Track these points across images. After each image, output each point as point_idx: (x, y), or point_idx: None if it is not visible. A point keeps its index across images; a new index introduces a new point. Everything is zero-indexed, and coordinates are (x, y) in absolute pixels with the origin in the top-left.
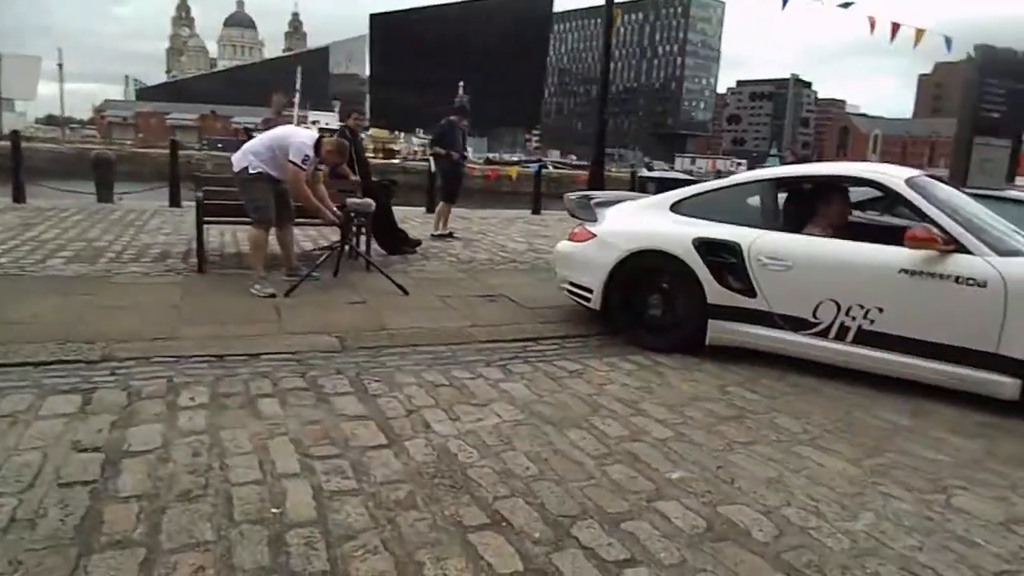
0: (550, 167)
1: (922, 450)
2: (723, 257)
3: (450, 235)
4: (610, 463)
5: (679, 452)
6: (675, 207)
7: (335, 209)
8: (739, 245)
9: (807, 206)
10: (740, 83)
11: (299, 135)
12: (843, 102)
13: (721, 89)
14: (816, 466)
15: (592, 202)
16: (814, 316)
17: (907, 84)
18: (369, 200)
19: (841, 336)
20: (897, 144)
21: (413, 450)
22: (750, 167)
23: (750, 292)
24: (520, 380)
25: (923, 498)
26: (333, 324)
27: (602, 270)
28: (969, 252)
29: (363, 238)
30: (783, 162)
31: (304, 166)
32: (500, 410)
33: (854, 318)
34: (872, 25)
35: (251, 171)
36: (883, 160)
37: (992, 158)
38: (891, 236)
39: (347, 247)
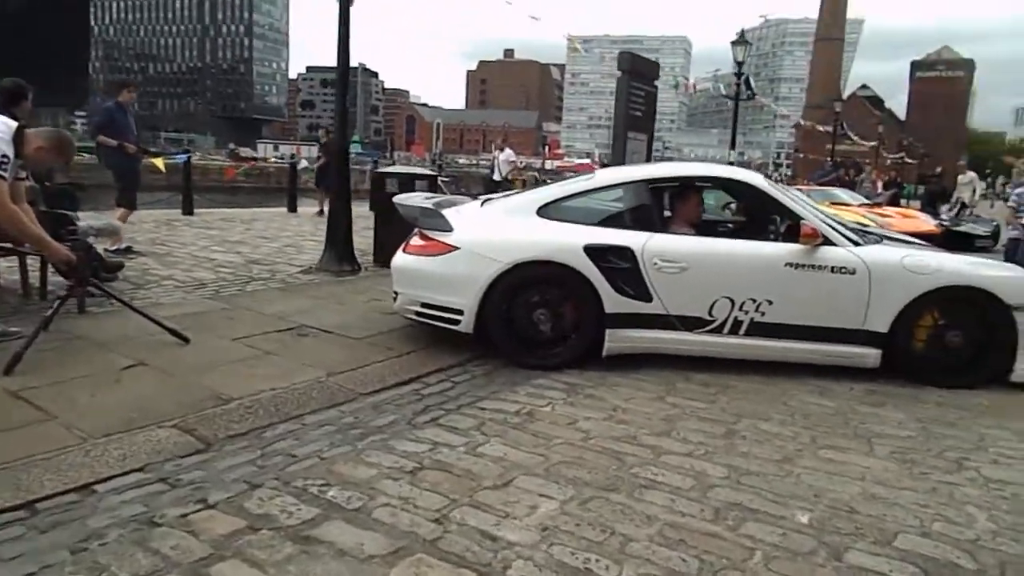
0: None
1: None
2: (616, 263)
3: (128, 249)
4: (733, 523)
5: (763, 484)
6: (543, 211)
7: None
8: (631, 249)
9: (636, 205)
10: (310, 69)
11: None
12: (407, 92)
13: (292, 75)
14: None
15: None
16: (710, 314)
17: (455, 78)
18: (115, 222)
19: (735, 330)
20: (456, 131)
21: None
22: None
23: (646, 296)
24: (486, 439)
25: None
26: (141, 407)
27: (475, 286)
28: (835, 244)
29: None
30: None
31: (4, 174)
32: (529, 487)
33: (747, 312)
34: None
35: None
36: (446, 146)
37: (638, 150)
38: (738, 231)
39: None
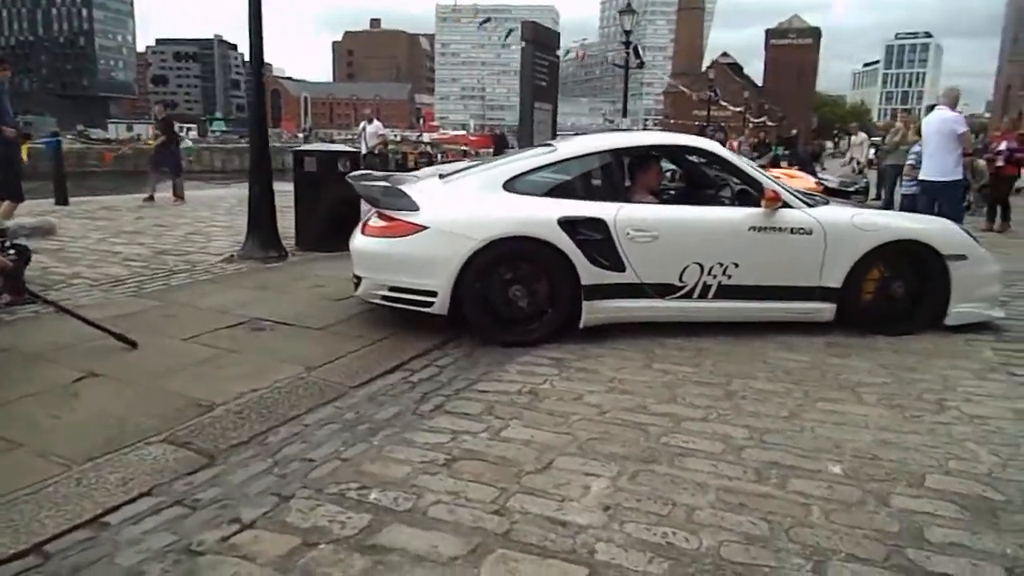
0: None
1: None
2: (590, 235)
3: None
4: (778, 481)
5: (786, 440)
6: (509, 186)
7: None
8: (604, 220)
9: (602, 175)
10: (160, 41)
11: None
12: (270, 65)
13: (140, 48)
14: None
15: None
16: (680, 280)
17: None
18: (49, 219)
19: (704, 294)
20: (325, 105)
21: None
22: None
23: (619, 267)
24: (504, 423)
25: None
26: (116, 423)
27: (448, 266)
28: (791, 207)
29: None
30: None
31: None
32: (572, 467)
33: (715, 276)
34: None
35: None
36: (316, 121)
37: (544, 119)
38: (693, 197)
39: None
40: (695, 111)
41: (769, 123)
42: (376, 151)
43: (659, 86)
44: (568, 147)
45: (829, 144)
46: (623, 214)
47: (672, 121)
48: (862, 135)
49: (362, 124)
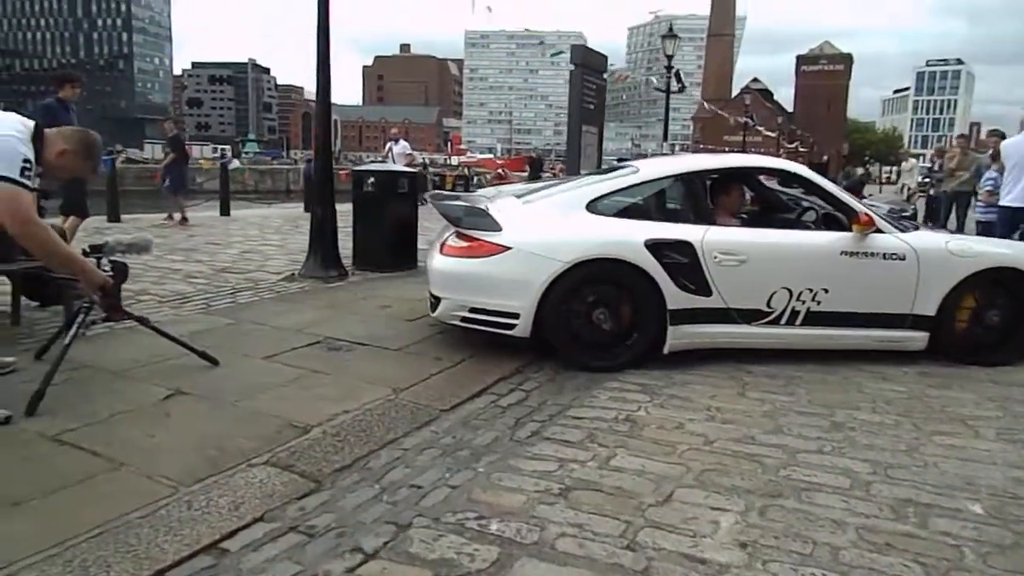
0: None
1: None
2: (677, 258)
3: None
4: (918, 520)
5: (913, 476)
6: (592, 206)
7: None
8: (691, 243)
9: (687, 197)
10: (196, 65)
11: (1, 121)
12: (302, 88)
13: (176, 71)
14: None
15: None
16: (768, 305)
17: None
18: (146, 235)
19: (792, 320)
20: (355, 128)
21: None
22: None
23: (706, 291)
24: (610, 451)
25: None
26: (214, 443)
27: (532, 288)
28: (883, 232)
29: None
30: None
31: (29, 182)
32: (695, 500)
33: (804, 302)
34: None
35: None
36: (346, 143)
37: (591, 143)
38: (776, 220)
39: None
40: (726, 136)
41: (801, 148)
42: None
43: (686, 111)
44: (651, 169)
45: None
46: (710, 237)
47: (702, 146)
48: (912, 161)
49: (388, 145)
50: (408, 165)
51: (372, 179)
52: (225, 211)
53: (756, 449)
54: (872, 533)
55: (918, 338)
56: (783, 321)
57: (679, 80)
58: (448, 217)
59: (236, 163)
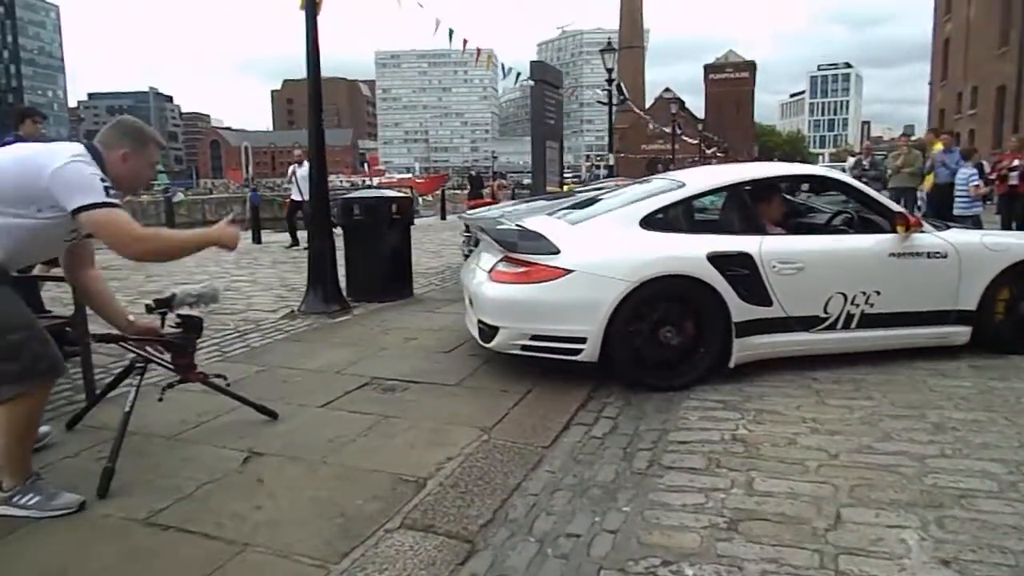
0: None
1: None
2: (738, 270)
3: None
4: None
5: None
6: (645, 223)
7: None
8: (750, 254)
9: (738, 208)
10: (93, 96)
11: (49, 151)
12: (207, 116)
13: (72, 103)
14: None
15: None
16: (825, 311)
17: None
18: (215, 283)
19: (847, 324)
20: (266, 154)
21: None
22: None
23: (767, 301)
24: (746, 476)
25: None
26: (332, 509)
27: (599, 310)
28: (923, 231)
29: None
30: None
31: (116, 200)
32: (865, 520)
33: (858, 305)
34: None
35: None
36: (258, 170)
37: (553, 158)
38: (818, 227)
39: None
40: (644, 145)
41: (719, 154)
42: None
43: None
44: (699, 181)
45: None
46: (767, 247)
47: (622, 155)
48: (851, 160)
49: (291, 168)
50: None
51: (362, 206)
52: None
53: (883, 459)
54: None
55: (963, 332)
56: (839, 326)
57: (621, 92)
58: (501, 242)
59: (180, 195)
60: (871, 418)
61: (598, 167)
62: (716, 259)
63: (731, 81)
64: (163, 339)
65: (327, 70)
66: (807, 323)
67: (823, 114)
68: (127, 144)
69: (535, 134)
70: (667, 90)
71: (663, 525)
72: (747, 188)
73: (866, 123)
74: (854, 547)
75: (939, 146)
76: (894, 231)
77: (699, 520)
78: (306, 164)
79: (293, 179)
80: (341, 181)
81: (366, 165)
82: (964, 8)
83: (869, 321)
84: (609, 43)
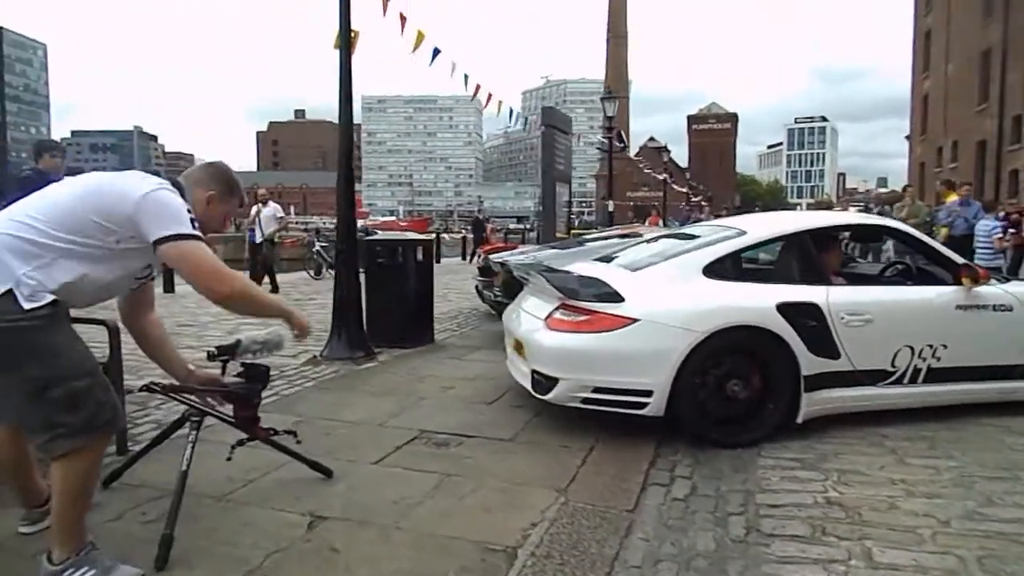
0: None
1: None
2: (807, 321)
3: None
4: None
5: None
6: (708, 271)
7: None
8: (818, 305)
9: (802, 257)
10: (76, 133)
11: (131, 178)
12: (191, 155)
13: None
14: None
15: (593, 277)
16: (892, 365)
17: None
18: (281, 330)
19: (914, 379)
20: (250, 195)
21: None
22: None
23: (835, 354)
24: (856, 544)
25: None
26: None
27: (668, 362)
28: (987, 284)
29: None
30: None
31: (199, 232)
32: None
33: (924, 359)
34: None
35: (31, 306)
36: (242, 210)
37: (562, 201)
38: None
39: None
40: (628, 192)
41: (703, 203)
42: (275, 239)
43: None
44: (761, 229)
45: None
46: (835, 297)
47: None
48: (852, 211)
49: (255, 208)
50: (282, 229)
51: (386, 249)
52: (169, 287)
53: (998, 527)
54: None
55: None
56: (906, 380)
57: (620, 140)
58: (560, 288)
59: None
60: (963, 480)
61: (586, 213)
62: (785, 309)
63: (714, 132)
64: (226, 389)
65: (311, 113)
66: (875, 377)
67: (800, 165)
68: (215, 187)
69: (545, 178)
70: (651, 139)
71: None
72: (809, 236)
73: (842, 174)
74: None
75: (953, 197)
76: (958, 283)
77: None
78: (272, 204)
79: (257, 219)
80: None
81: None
82: (942, 65)
83: (935, 375)
84: (609, 91)
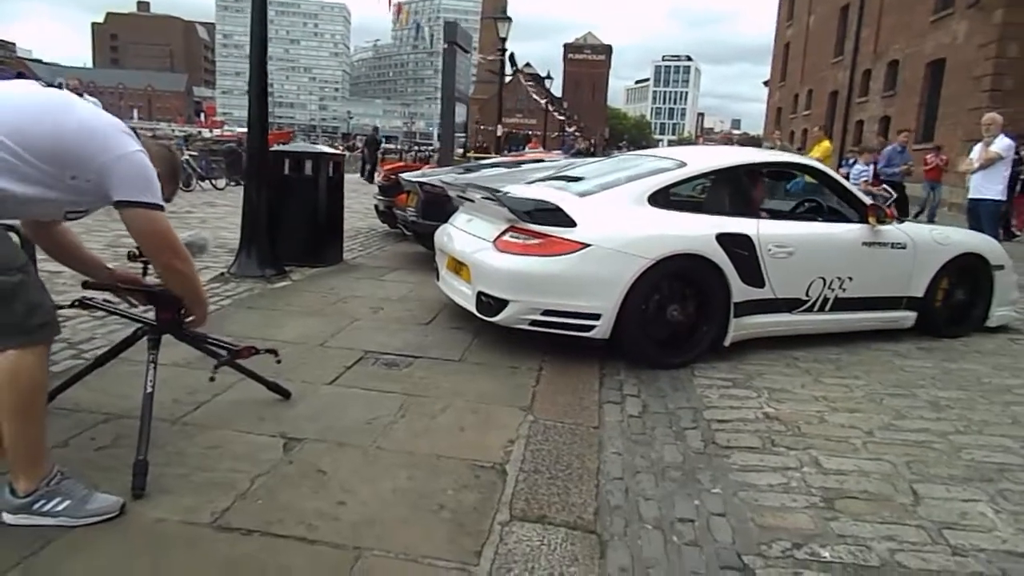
0: None
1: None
2: (740, 251)
3: None
4: None
5: None
6: (654, 200)
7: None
8: (750, 236)
9: (736, 190)
10: None
11: (119, 129)
12: (13, 44)
13: None
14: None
15: (544, 201)
16: (806, 294)
17: (77, 30)
18: (201, 234)
19: (823, 307)
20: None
21: None
22: None
23: (761, 282)
24: (808, 455)
25: None
26: (442, 503)
27: (616, 287)
28: (888, 223)
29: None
30: None
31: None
32: (960, 497)
33: (833, 290)
34: None
35: None
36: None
37: (461, 120)
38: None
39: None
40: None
41: (577, 132)
42: None
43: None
44: (700, 162)
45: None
46: (764, 230)
47: (481, 127)
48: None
49: None
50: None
51: (295, 162)
52: None
53: (913, 436)
54: None
55: (910, 317)
56: (816, 308)
57: (513, 63)
58: (513, 211)
59: None
60: (874, 397)
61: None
62: (723, 239)
63: (589, 63)
64: (151, 289)
65: (159, 7)
66: (791, 304)
67: (664, 102)
68: (161, 167)
69: (446, 99)
70: (528, 64)
71: (767, 507)
72: (743, 172)
73: (701, 114)
74: (949, 522)
75: (826, 144)
76: (865, 221)
77: (795, 500)
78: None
79: None
80: (173, 130)
81: (203, 115)
82: (805, 16)
83: (841, 304)
84: (504, 11)
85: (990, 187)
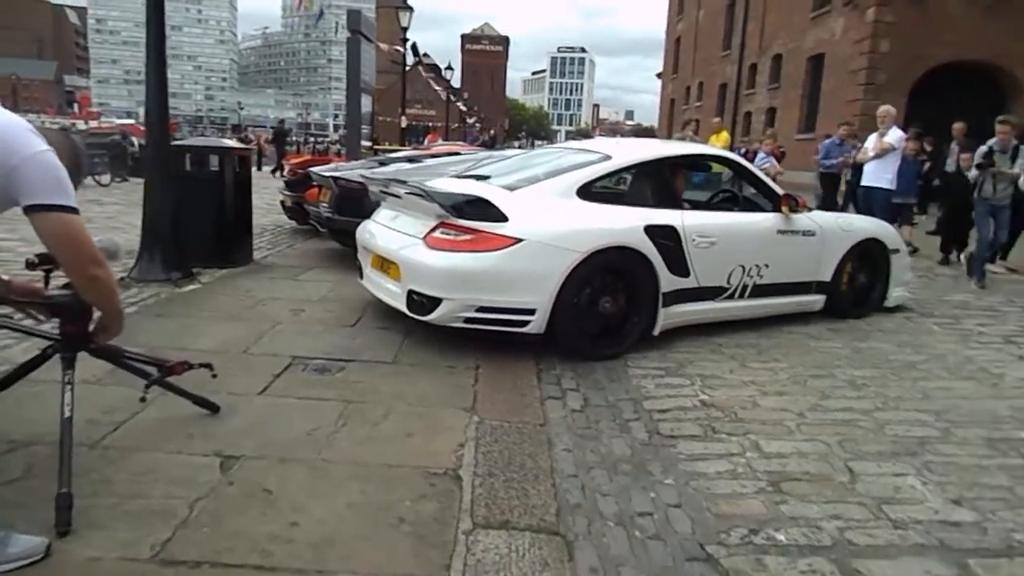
0: None
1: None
2: (666, 242)
3: None
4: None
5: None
6: (583, 193)
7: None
8: (675, 228)
9: (660, 183)
10: None
11: (17, 131)
12: None
13: None
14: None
15: (475, 197)
16: (728, 282)
17: None
18: (112, 239)
19: (743, 294)
20: None
21: None
22: None
23: (686, 272)
24: (750, 439)
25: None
26: (400, 518)
27: (550, 281)
28: (799, 212)
29: None
30: None
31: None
32: (873, 470)
33: (751, 277)
34: None
35: None
36: None
37: (367, 110)
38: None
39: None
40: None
41: (477, 124)
42: None
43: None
44: (625, 155)
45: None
46: (688, 221)
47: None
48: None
49: None
50: None
51: (199, 157)
52: None
53: (839, 415)
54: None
55: (820, 300)
56: (736, 295)
57: (416, 53)
58: (446, 206)
59: None
60: (798, 379)
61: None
62: (651, 231)
63: (487, 53)
64: (52, 301)
65: None
66: (714, 292)
67: (561, 93)
68: (64, 159)
69: (351, 90)
70: (426, 55)
71: (719, 495)
72: (665, 164)
73: (596, 105)
74: (886, 496)
75: (724, 135)
76: (778, 211)
77: (744, 486)
78: None
79: None
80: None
81: (76, 106)
82: (694, 11)
83: (758, 291)
84: (405, 1)
85: (882, 176)
